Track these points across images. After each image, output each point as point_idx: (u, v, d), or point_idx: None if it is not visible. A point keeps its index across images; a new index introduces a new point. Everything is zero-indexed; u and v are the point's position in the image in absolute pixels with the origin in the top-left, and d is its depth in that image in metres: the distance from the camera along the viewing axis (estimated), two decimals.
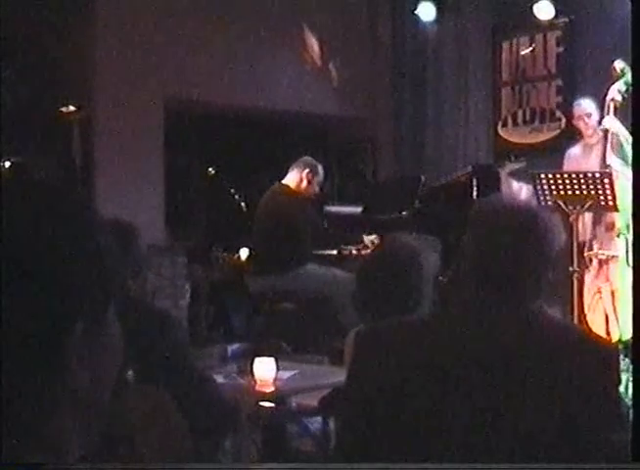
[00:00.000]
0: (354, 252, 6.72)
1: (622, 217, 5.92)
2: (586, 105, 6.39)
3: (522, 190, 6.40)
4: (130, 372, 1.43)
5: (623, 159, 5.93)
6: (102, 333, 0.99)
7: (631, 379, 1.99)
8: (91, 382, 0.97)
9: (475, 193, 6.62)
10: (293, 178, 6.64)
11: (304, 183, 6.63)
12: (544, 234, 1.95)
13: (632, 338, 2.88)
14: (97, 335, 0.98)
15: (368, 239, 6.72)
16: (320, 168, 6.75)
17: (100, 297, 0.98)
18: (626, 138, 5.90)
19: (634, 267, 2.62)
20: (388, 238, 2.95)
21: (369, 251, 6.57)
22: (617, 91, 5.93)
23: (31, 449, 0.93)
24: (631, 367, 2.01)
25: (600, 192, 5.60)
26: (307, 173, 6.63)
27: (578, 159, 6.46)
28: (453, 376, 1.88)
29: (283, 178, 6.70)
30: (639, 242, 2.59)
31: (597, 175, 5.66)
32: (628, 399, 3.10)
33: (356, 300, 3.06)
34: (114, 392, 1.01)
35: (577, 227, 5.69)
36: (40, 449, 0.93)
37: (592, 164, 6.13)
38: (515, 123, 8.26)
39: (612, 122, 5.97)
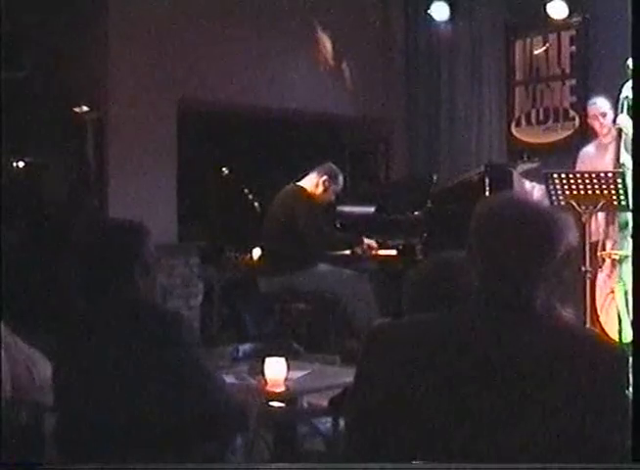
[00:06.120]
0: (367, 253, 6.70)
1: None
2: (601, 104, 6.36)
3: (534, 190, 6.38)
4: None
5: None
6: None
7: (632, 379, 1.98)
8: None
9: (487, 193, 6.60)
10: (310, 182, 6.60)
11: (320, 188, 6.58)
12: (553, 230, 1.93)
13: (632, 338, 2.86)
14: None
15: (367, 242, 6.71)
16: (340, 177, 6.67)
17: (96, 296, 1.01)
18: None
19: (634, 267, 2.60)
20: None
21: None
22: (630, 89, 5.90)
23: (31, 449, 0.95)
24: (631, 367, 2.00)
25: (613, 192, 5.58)
26: (325, 180, 6.58)
27: (592, 158, 6.43)
28: (462, 375, 1.88)
29: (298, 179, 6.68)
30: (639, 242, 2.57)
31: (610, 175, 5.63)
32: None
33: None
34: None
35: (590, 227, 5.66)
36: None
37: (606, 164, 6.10)
38: (528, 123, 8.24)
39: (625, 121, 5.94)
